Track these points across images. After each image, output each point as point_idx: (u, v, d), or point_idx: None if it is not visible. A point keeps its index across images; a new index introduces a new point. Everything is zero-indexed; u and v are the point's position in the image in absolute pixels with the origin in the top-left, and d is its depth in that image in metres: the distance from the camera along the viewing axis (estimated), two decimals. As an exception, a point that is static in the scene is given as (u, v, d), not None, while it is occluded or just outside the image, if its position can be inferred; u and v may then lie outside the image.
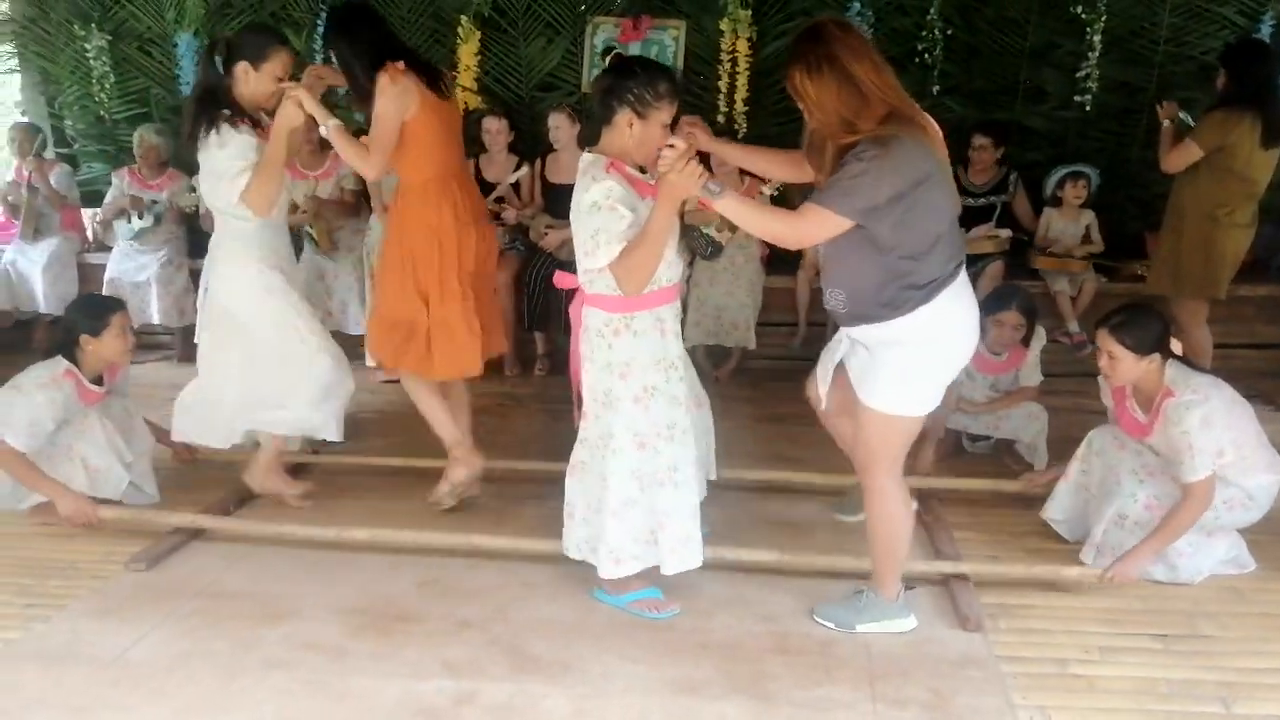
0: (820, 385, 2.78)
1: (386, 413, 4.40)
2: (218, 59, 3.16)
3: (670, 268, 2.62)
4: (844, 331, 2.60)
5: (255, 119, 3.18)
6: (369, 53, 3.00)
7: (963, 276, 2.45)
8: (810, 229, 2.37)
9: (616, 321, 2.61)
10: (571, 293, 2.77)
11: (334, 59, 3.16)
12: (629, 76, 2.51)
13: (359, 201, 5.19)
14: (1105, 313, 2.98)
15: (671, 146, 2.37)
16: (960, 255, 2.45)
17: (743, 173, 4.46)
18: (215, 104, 3.12)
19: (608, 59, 2.68)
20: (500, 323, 3.45)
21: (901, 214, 2.30)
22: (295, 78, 3.16)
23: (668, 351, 2.66)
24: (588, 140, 2.65)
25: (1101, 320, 2.95)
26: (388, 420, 4.41)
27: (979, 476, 3.73)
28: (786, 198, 3.18)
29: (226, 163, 3.10)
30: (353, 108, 3.29)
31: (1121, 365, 2.89)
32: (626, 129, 2.52)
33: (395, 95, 2.95)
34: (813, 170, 2.59)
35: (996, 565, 2.92)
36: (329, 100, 3.25)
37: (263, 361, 3.30)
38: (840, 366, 2.68)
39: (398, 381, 3.47)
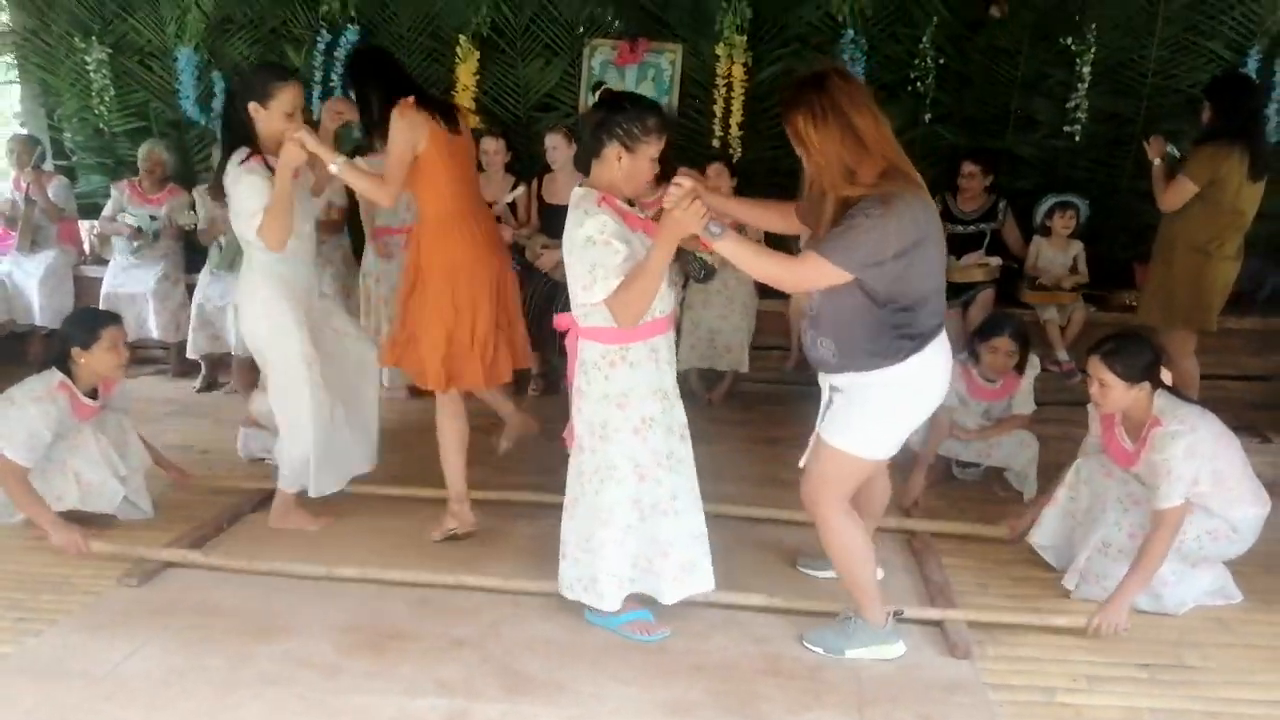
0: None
1: (400, 429, 4.35)
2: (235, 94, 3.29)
3: (663, 299, 2.65)
4: (825, 379, 2.63)
5: (264, 158, 3.22)
6: (384, 89, 3.13)
7: (943, 335, 2.52)
8: (808, 276, 2.41)
9: (613, 353, 2.63)
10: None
11: (353, 95, 3.29)
12: (618, 111, 2.55)
13: (344, 218, 5.36)
14: (1096, 340, 3.01)
15: (678, 185, 2.40)
16: (942, 312, 2.51)
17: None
18: (238, 139, 3.23)
19: (598, 93, 2.75)
20: (519, 342, 3.44)
21: (901, 270, 2.34)
22: (309, 109, 3.23)
23: (664, 381, 2.70)
24: (580, 168, 2.69)
25: (1093, 348, 2.98)
26: (399, 436, 4.39)
27: (968, 503, 3.78)
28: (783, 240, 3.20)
29: (239, 202, 3.19)
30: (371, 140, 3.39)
31: (1112, 393, 2.93)
32: (615, 162, 2.56)
33: (405, 128, 3.06)
34: (806, 223, 2.65)
35: (984, 611, 2.91)
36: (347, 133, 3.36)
37: (271, 389, 3.45)
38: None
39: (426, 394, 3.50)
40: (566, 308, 2.79)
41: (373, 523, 3.54)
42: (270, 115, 3.17)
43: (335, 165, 3.11)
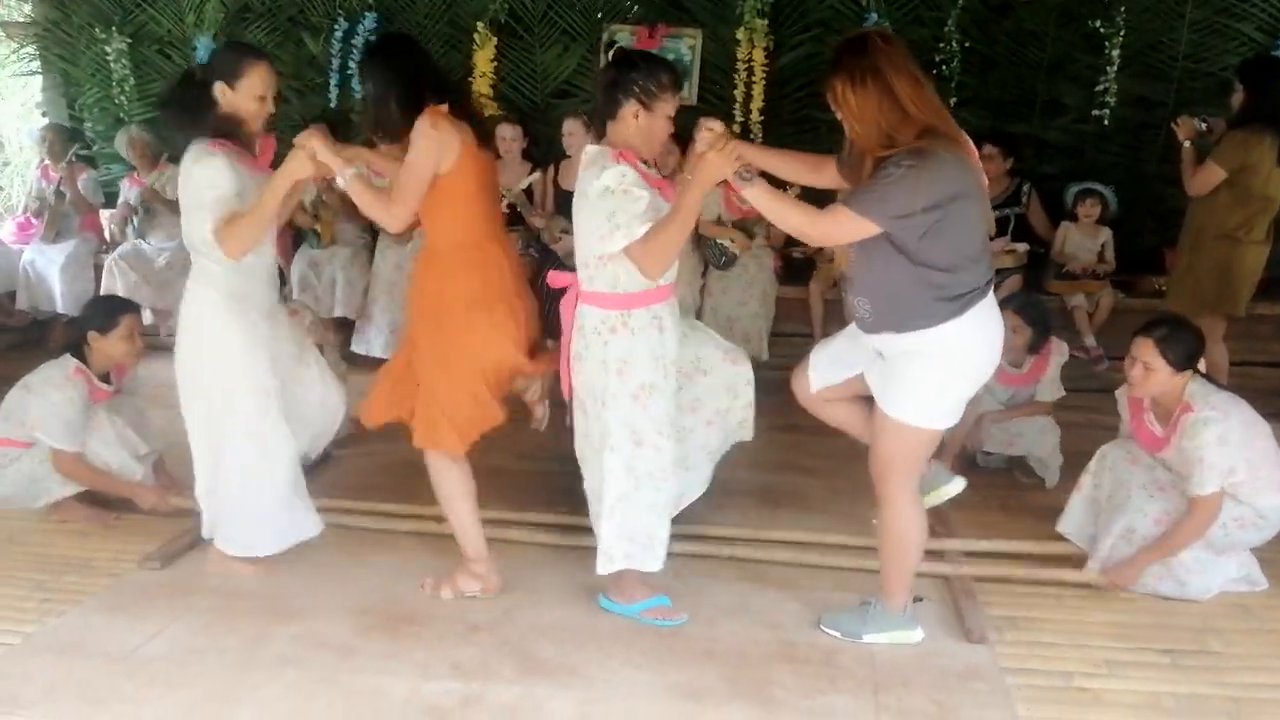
0: (813, 373, 2.74)
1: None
2: (198, 83, 2.85)
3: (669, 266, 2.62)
4: (867, 340, 2.55)
5: (243, 139, 2.87)
6: (408, 89, 2.67)
7: (988, 301, 2.44)
8: (835, 228, 2.38)
9: (614, 319, 2.60)
10: (561, 292, 2.77)
11: (368, 90, 2.78)
12: (633, 69, 2.53)
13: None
14: (1147, 322, 2.95)
15: (710, 128, 2.38)
16: (991, 273, 2.45)
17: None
18: (195, 124, 2.83)
19: (610, 53, 2.70)
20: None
21: (932, 225, 2.29)
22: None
23: (666, 349, 2.66)
24: (596, 128, 2.67)
25: (1143, 329, 2.92)
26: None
27: (990, 490, 3.74)
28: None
29: (193, 191, 2.78)
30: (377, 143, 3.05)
31: (1155, 377, 2.89)
32: (632, 120, 2.53)
33: (434, 142, 2.60)
34: (846, 181, 2.59)
35: (996, 566, 2.93)
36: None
37: (210, 430, 2.96)
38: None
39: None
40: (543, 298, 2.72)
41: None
42: (239, 95, 2.79)
43: (344, 178, 2.67)
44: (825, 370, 2.73)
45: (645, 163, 2.62)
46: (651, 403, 2.64)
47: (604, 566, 2.72)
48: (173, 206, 5.61)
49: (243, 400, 2.90)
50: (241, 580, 3.02)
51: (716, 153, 2.34)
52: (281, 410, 2.97)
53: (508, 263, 2.82)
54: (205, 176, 2.76)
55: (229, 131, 2.82)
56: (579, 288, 2.67)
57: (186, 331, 2.92)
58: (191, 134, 2.83)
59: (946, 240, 2.32)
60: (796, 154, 2.80)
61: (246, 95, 2.81)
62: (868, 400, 2.62)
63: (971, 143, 2.39)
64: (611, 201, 2.47)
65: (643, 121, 2.53)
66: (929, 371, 2.42)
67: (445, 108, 2.67)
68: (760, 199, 2.40)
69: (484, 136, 2.82)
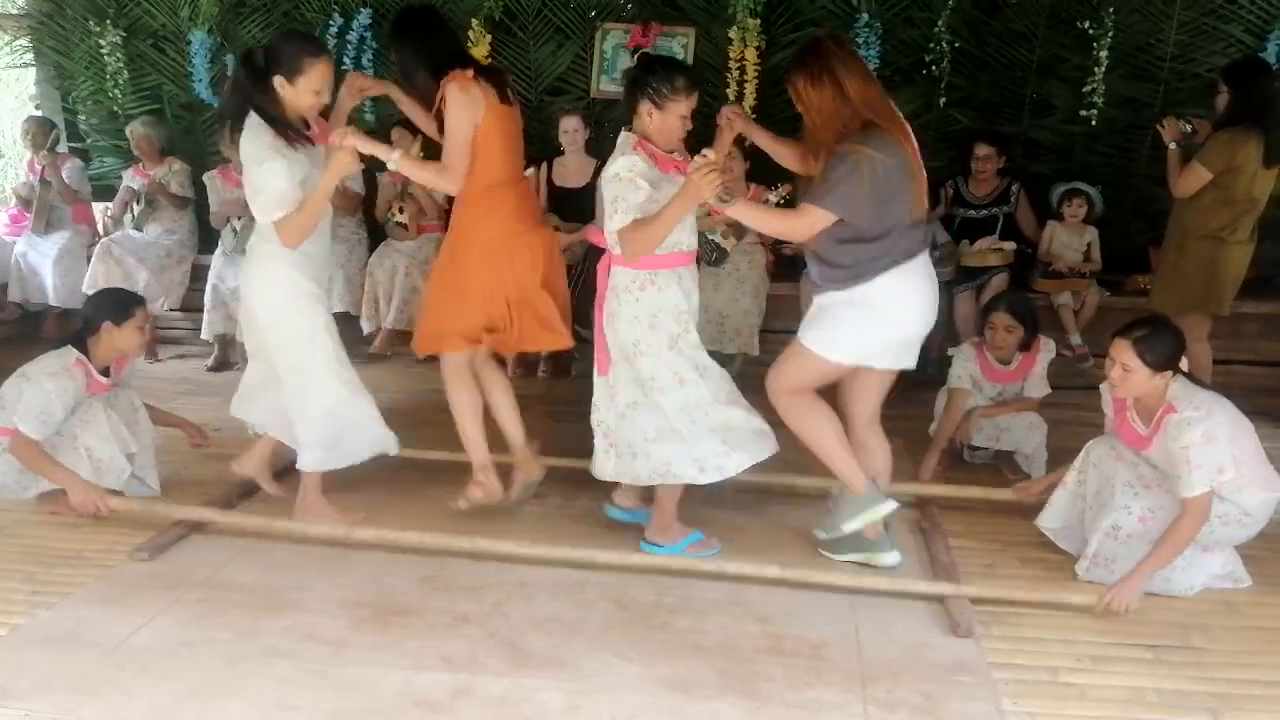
0: None
1: (415, 403, 4.31)
2: (257, 70, 2.99)
3: (690, 235, 3.01)
4: (815, 299, 2.98)
5: (299, 129, 3.05)
6: (434, 59, 3.00)
7: (924, 257, 2.88)
8: (806, 225, 2.81)
9: (643, 278, 2.95)
10: (599, 254, 3.11)
11: (398, 61, 3.13)
12: (649, 72, 2.88)
13: (360, 202, 5.50)
14: (1125, 324, 2.97)
15: (704, 156, 2.67)
16: (925, 239, 2.89)
17: (749, 182, 4.93)
18: (262, 113, 2.98)
19: (635, 58, 3.02)
20: (561, 317, 3.36)
21: (876, 206, 2.73)
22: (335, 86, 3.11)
23: (688, 304, 3.00)
24: (624, 122, 3.00)
25: (1122, 331, 2.94)
26: (414, 411, 4.39)
27: (977, 486, 3.77)
28: (792, 202, 3.45)
29: (261, 180, 2.96)
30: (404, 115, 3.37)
31: (1133, 378, 2.90)
32: (647, 117, 2.88)
33: (466, 105, 2.94)
34: (808, 168, 2.96)
35: (998, 588, 2.92)
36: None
37: (281, 374, 3.25)
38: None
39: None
40: (580, 286, 2.93)
41: (387, 499, 3.55)
42: (298, 92, 2.96)
43: (393, 161, 2.95)
44: None
45: (669, 151, 2.95)
46: (683, 348, 2.99)
47: (695, 477, 3.01)
48: (175, 201, 5.63)
49: (323, 340, 3.21)
50: (232, 571, 3.03)
51: (699, 178, 2.65)
52: (339, 355, 3.27)
53: (527, 203, 3.26)
54: (265, 177, 2.94)
55: (289, 122, 3.00)
56: (610, 252, 2.99)
57: (264, 296, 3.16)
58: (234, 120, 3.00)
59: (886, 214, 2.76)
60: (787, 140, 3.21)
61: (304, 90, 2.97)
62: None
63: (908, 126, 2.83)
64: (618, 187, 2.83)
65: (656, 119, 2.87)
66: (851, 314, 2.87)
67: (471, 73, 2.98)
68: (742, 214, 2.86)
69: (506, 87, 3.13)
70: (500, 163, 3.11)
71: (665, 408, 2.97)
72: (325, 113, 3.22)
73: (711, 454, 2.99)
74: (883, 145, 2.71)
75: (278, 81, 2.94)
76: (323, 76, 2.97)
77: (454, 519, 3.35)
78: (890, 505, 2.97)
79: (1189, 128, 4.25)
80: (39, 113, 6.18)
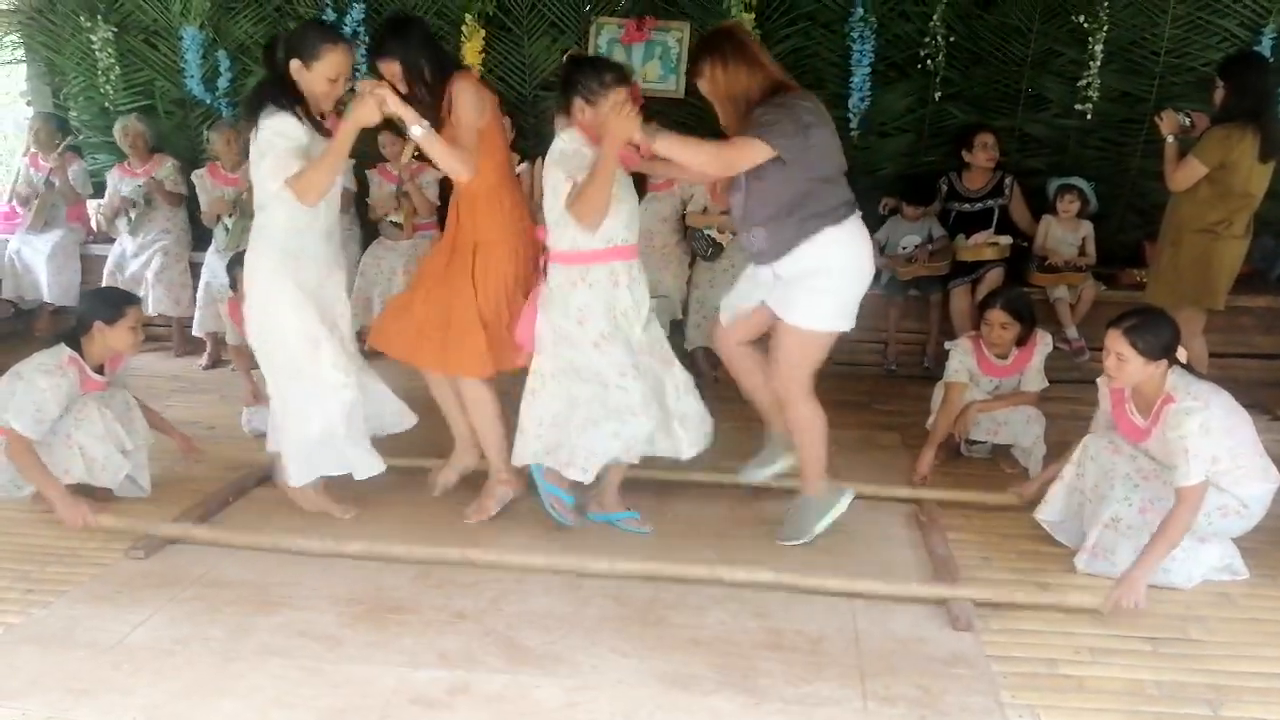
0: (724, 313, 3.26)
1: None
2: (278, 57, 3.02)
3: (626, 229, 3.02)
4: (765, 271, 3.03)
5: (314, 118, 3.06)
6: (439, 61, 3.06)
7: (858, 218, 2.98)
8: (737, 154, 2.84)
9: (574, 273, 3.00)
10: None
11: (403, 64, 3.02)
12: (578, 70, 2.96)
13: (351, 201, 5.46)
14: (1119, 314, 2.98)
15: (616, 100, 2.82)
16: (852, 199, 2.98)
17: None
18: (279, 90, 3.00)
19: (564, 57, 3.15)
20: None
21: (810, 144, 2.82)
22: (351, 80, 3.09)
23: (619, 301, 3.02)
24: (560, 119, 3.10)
25: (1115, 321, 2.95)
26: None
27: (975, 479, 3.78)
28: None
29: (278, 136, 2.94)
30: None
31: (1129, 367, 2.91)
32: (580, 114, 2.95)
33: (476, 98, 3.02)
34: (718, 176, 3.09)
35: (998, 589, 2.90)
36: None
37: (271, 374, 3.24)
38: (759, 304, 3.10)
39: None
40: None
41: (384, 503, 3.51)
42: (313, 77, 2.98)
43: (419, 130, 2.89)
44: (731, 307, 3.23)
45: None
46: (611, 349, 3.02)
47: (579, 475, 3.11)
48: (172, 199, 5.60)
49: (294, 345, 3.13)
50: (226, 569, 3.01)
51: (617, 115, 2.77)
52: (334, 356, 3.16)
53: (519, 207, 3.26)
54: (277, 126, 2.95)
55: (301, 100, 3.01)
56: (549, 251, 3.05)
57: (252, 285, 3.16)
58: (269, 92, 3.01)
59: (819, 156, 2.87)
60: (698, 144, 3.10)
61: (319, 76, 2.99)
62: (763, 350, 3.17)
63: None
64: (565, 160, 2.94)
65: (589, 115, 2.93)
66: (819, 281, 2.92)
67: (475, 72, 3.03)
68: (671, 146, 2.86)
69: (499, 100, 3.21)
70: (501, 163, 3.19)
71: (577, 397, 3.07)
72: (339, 110, 3.18)
73: (596, 457, 3.09)
74: (800, 96, 2.88)
75: (295, 66, 2.99)
76: (338, 64, 2.99)
77: (444, 520, 3.34)
78: (849, 495, 3.14)
79: (1187, 121, 4.24)
80: (33, 108, 6.14)
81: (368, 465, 3.29)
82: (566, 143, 2.95)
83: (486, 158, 3.08)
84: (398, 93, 2.93)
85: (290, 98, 3.00)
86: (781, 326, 3.00)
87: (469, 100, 3.00)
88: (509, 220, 3.19)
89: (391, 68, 3.03)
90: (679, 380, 3.18)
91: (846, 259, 2.94)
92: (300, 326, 3.12)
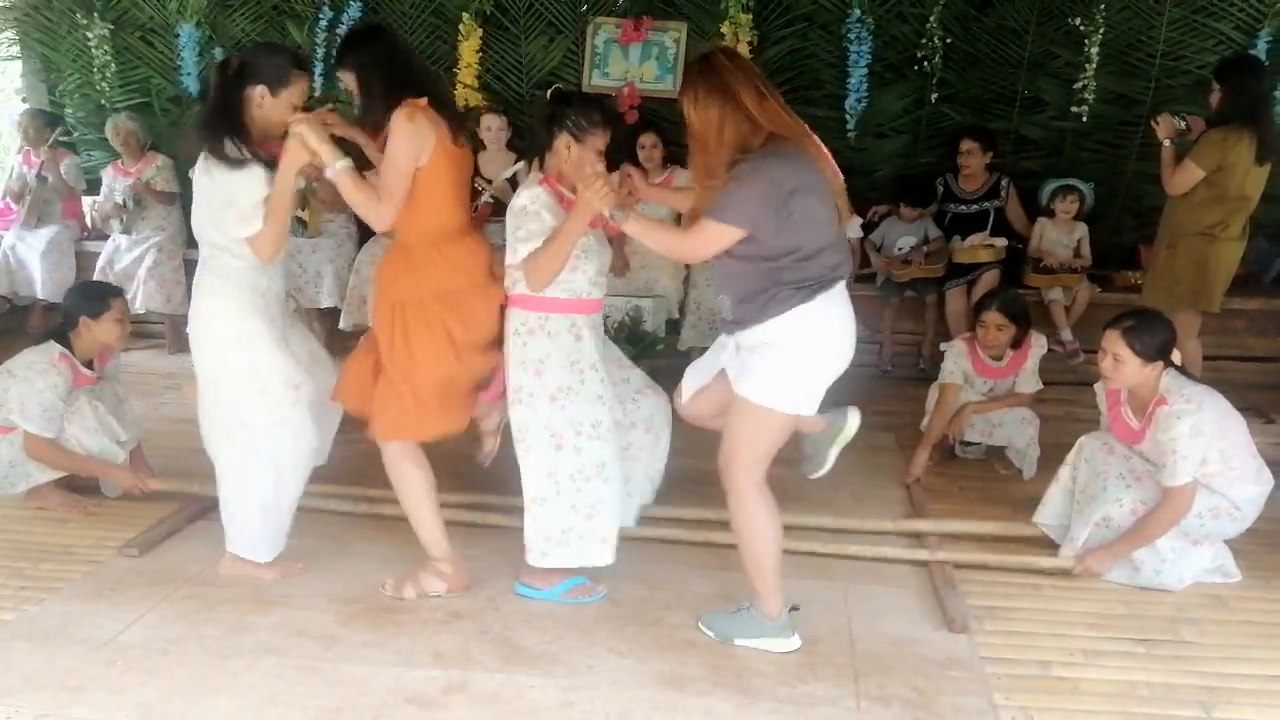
0: (686, 381, 2.81)
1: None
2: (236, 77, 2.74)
3: (592, 284, 2.79)
4: (729, 340, 2.63)
5: (255, 149, 2.76)
6: (389, 80, 2.68)
7: (841, 288, 2.54)
8: (702, 242, 2.50)
9: (532, 321, 2.76)
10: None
11: (354, 79, 2.75)
12: (567, 105, 2.76)
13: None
14: (1115, 315, 2.99)
15: (593, 173, 2.58)
16: (844, 268, 2.54)
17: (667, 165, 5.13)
18: (228, 126, 2.72)
19: (549, 93, 2.95)
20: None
21: (782, 220, 2.41)
22: (312, 89, 2.96)
23: (583, 354, 2.78)
24: (537, 160, 2.87)
25: (1112, 322, 2.97)
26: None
27: (968, 481, 3.79)
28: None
29: (241, 191, 2.70)
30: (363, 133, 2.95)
31: (1124, 368, 2.92)
32: (564, 151, 2.74)
33: (410, 136, 2.61)
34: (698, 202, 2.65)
35: (971, 552, 2.96)
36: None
37: (213, 415, 2.93)
38: (721, 374, 2.67)
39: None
40: None
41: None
42: (278, 104, 2.73)
43: (333, 169, 2.63)
44: (692, 377, 2.80)
45: (573, 190, 2.70)
46: (569, 404, 2.75)
47: (534, 560, 2.83)
48: (163, 198, 5.59)
49: (274, 391, 2.86)
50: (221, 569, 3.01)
51: (590, 194, 2.51)
52: (309, 403, 2.93)
53: (475, 258, 2.85)
54: (243, 184, 2.70)
55: (251, 138, 2.74)
56: (508, 294, 2.81)
57: (207, 329, 2.85)
58: (218, 132, 2.71)
59: (797, 232, 2.43)
60: (687, 194, 2.92)
61: (284, 105, 2.75)
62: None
63: (819, 141, 2.51)
64: (521, 218, 2.71)
65: (575, 152, 2.73)
66: (779, 355, 2.50)
67: (425, 101, 2.67)
68: (636, 230, 2.58)
69: (461, 130, 2.81)
70: (448, 208, 2.78)
71: (525, 470, 2.79)
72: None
73: (542, 543, 2.80)
74: (786, 155, 2.43)
75: (258, 93, 2.72)
76: (302, 91, 2.79)
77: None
78: (794, 645, 2.62)
79: (1183, 125, 4.25)
80: (27, 105, 6.12)
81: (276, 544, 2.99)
82: (529, 201, 2.70)
83: (428, 199, 2.70)
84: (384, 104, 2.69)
85: (244, 133, 2.73)
86: (734, 400, 2.58)
87: (400, 137, 2.60)
88: (454, 272, 2.78)
89: (348, 79, 2.78)
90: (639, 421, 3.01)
91: (813, 336, 2.50)
92: (282, 371, 2.87)
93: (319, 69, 5.71)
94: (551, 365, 2.75)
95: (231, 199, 2.71)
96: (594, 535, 2.80)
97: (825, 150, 2.51)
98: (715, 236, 2.45)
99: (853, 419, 2.72)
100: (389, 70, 2.70)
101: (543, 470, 2.77)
